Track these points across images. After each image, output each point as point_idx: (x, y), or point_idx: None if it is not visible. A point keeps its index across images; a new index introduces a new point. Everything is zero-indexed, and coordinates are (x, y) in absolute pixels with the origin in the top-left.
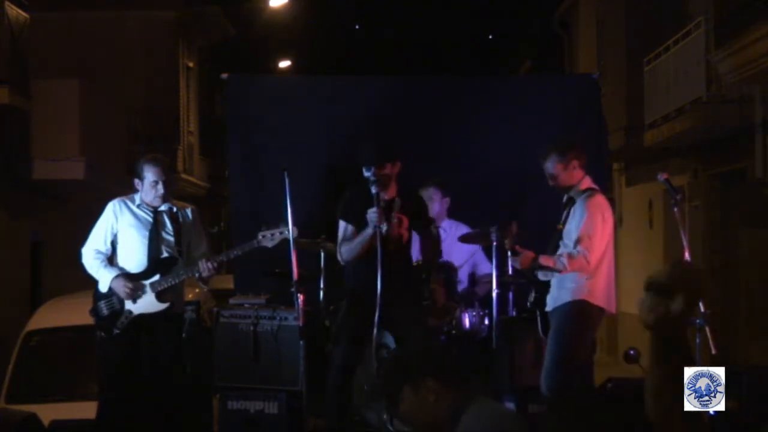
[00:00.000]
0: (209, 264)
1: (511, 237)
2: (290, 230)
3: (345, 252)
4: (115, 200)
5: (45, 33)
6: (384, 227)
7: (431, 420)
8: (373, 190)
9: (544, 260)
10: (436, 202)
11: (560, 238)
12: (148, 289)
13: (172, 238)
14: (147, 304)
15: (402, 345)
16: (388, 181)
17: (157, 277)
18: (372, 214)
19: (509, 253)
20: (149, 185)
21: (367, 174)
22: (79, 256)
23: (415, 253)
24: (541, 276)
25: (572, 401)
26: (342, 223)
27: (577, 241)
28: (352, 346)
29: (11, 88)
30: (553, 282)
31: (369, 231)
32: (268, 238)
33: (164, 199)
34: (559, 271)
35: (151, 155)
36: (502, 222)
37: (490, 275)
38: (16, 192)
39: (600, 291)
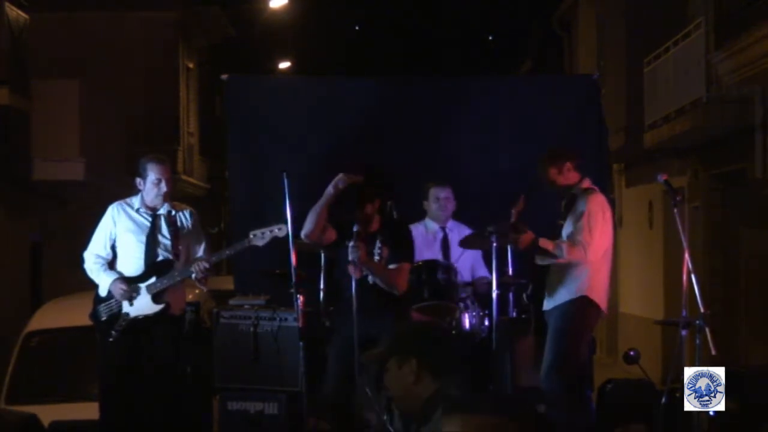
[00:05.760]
0: (202, 265)
1: (517, 211)
2: (290, 230)
3: (306, 220)
4: (115, 204)
5: (45, 33)
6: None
7: (407, 397)
8: (355, 228)
9: (543, 242)
10: (449, 202)
11: (561, 233)
12: (144, 291)
13: (168, 242)
14: (143, 306)
15: (405, 321)
16: (370, 219)
17: (153, 280)
18: (352, 248)
19: (509, 232)
20: (152, 184)
21: (348, 217)
22: (81, 260)
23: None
24: (539, 260)
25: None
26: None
27: (578, 233)
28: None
29: (11, 88)
30: (551, 280)
31: (329, 189)
32: (259, 237)
33: (166, 198)
34: (557, 258)
35: (154, 154)
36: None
37: (486, 278)
38: (16, 192)
39: (598, 289)
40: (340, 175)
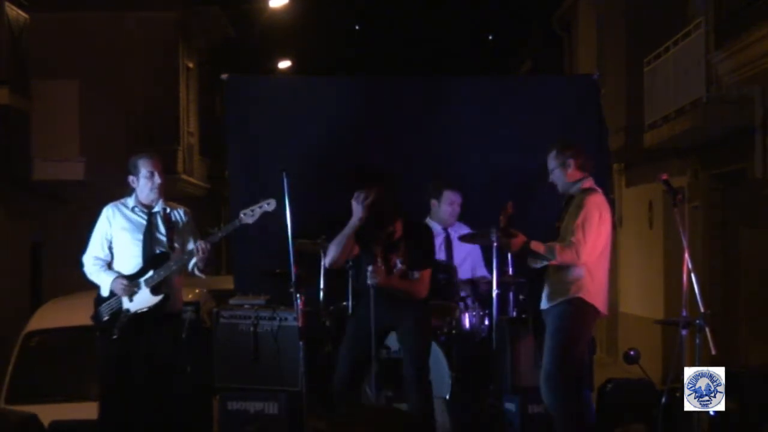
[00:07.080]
0: (202, 244)
1: (505, 216)
2: (289, 230)
3: (329, 250)
4: (109, 205)
5: (45, 33)
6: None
7: None
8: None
9: (534, 245)
10: (456, 205)
11: (558, 235)
12: (142, 285)
13: (164, 239)
14: (142, 299)
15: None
16: (392, 235)
17: (150, 273)
18: (371, 273)
19: (499, 236)
20: (145, 178)
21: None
22: (80, 264)
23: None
24: (531, 263)
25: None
26: None
27: (570, 233)
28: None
29: (11, 88)
30: (549, 280)
31: (353, 220)
32: (249, 215)
33: (161, 192)
34: (548, 260)
35: (143, 152)
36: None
37: (486, 278)
38: (16, 192)
39: (595, 291)
40: (360, 198)
